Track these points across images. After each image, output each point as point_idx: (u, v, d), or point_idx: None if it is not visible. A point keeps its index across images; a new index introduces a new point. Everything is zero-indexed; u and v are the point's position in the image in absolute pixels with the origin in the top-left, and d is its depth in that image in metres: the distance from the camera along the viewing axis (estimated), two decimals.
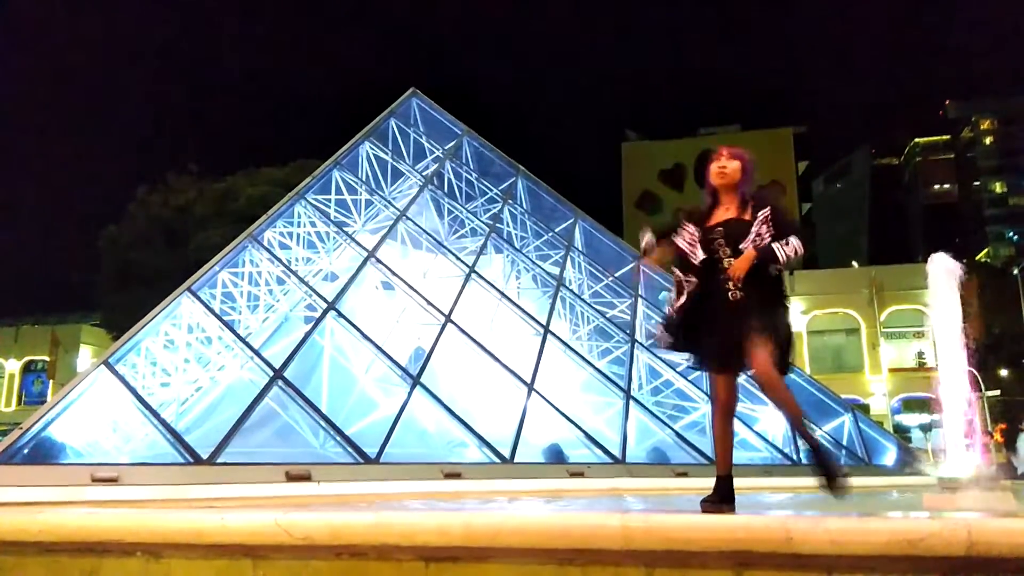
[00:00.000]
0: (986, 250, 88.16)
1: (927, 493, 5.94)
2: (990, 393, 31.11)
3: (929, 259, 6.25)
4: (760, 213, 4.10)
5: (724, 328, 3.99)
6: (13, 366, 44.10)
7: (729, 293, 3.99)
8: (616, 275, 14.85)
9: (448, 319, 10.38)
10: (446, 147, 15.29)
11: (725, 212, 4.21)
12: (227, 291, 12.12)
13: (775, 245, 3.99)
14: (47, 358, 41.64)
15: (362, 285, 11.03)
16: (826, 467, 3.76)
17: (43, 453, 6.73)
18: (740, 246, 4.03)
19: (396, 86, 16.27)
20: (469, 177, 15.47)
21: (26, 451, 6.48)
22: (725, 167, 4.21)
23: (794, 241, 4.01)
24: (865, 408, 31.54)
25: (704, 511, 3.68)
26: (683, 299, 4.16)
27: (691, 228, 4.24)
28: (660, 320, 4.48)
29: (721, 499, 3.92)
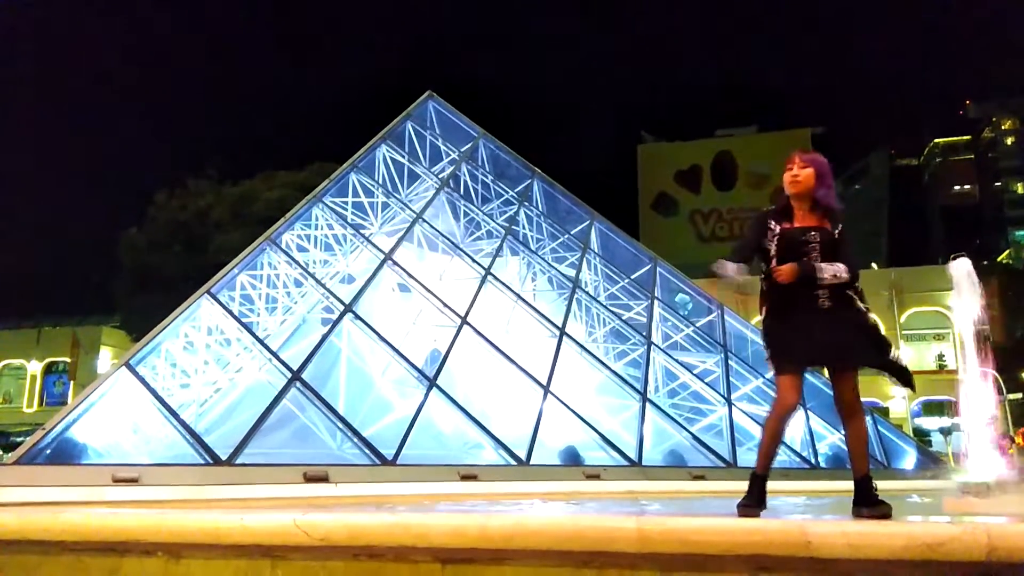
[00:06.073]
0: (1007, 252, 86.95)
1: (947, 497, 5.87)
2: (1012, 396, 30.74)
3: (951, 261, 6.18)
4: (837, 230, 4.14)
5: (822, 331, 4.00)
6: (35, 367, 44.64)
7: (819, 301, 4.01)
8: (632, 277, 14.82)
9: (464, 321, 10.39)
10: (462, 149, 15.31)
11: (803, 218, 4.17)
12: (245, 293, 12.22)
13: (822, 266, 4.04)
14: (68, 359, 42.15)
15: (379, 287, 11.07)
16: (868, 497, 3.82)
17: (65, 454, 6.81)
18: (836, 261, 4.05)
19: (412, 87, 16.31)
20: (485, 179, 15.49)
21: (49, 452, 6.56)
22: (798, 175, 4.16)
23: (839, 269, 4.06)
24: (884, 411, 31.20)
25: (741, 515, 3.67)
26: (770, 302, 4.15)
27: (773, 227, 4.18)
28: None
29: (757, 501, 3.92)
